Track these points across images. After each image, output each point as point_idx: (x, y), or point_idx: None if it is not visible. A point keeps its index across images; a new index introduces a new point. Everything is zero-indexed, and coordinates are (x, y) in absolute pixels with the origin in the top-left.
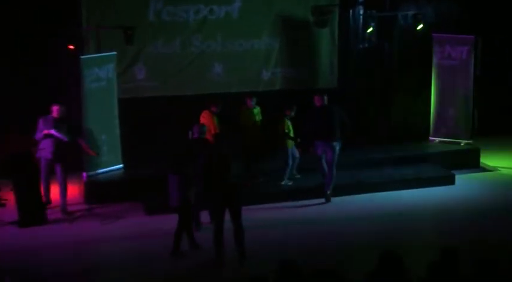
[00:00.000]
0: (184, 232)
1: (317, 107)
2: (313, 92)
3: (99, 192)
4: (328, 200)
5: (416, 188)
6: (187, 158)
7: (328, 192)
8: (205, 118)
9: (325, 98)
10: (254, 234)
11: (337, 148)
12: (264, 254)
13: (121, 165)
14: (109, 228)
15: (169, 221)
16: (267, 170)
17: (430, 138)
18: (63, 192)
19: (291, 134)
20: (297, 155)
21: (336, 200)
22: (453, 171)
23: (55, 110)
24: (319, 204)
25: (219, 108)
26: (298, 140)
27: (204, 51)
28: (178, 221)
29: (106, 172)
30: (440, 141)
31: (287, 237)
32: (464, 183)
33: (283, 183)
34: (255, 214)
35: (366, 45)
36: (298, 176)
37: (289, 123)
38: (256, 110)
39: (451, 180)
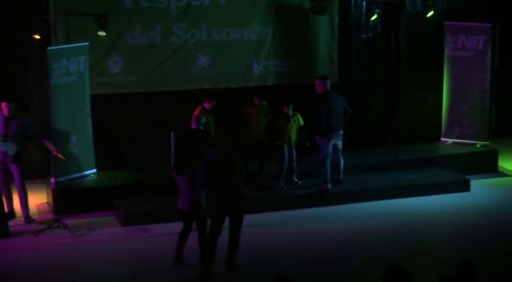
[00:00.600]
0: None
1: (319, 94)
2: (310, 88)
3: (70, 201)
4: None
5: (426, 195)
6: (193, 155)
7: (341, 177)
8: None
9: (328, 82)
10: (250, 243)
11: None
12: (259, 266)
13: (94, 170)
14: (81, 242)
15: (148, 233)
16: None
17: (442, 139)
18: (23, 198)
19: (293, 135)
20: (294, 158)
21: (336, 209)
22: (468, 177)
23: (3, 107)
24: (318, 213)
25: (213, 105)
26: (307, 143)
27: (187, 41)
28: (197, 226)
29: (77, 178)
30: (453, 143)
31: (284, 249)
32: (481, 189)
33: (285, 188)
34: (252, 222)
35: (370, 34)
36: (300, 183)
37: (299, 119)
38: (263, 107)
39: (465, 187)
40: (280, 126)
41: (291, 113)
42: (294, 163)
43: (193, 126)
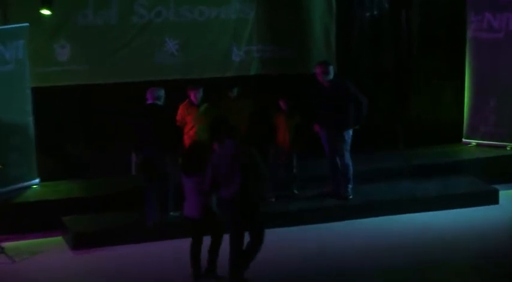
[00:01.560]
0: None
1: (323, 84)
2: (304, 78)
3: (6, 218)
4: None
5: (445, 209)
6: (203, 153)
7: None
8: (180, 112)
9: (331, 68)
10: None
11: (347, 137)
12: None
13: (37, 180)
14: (21, 269)
15: (105, 257)
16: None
17: (464, 140)
18: None
19: (291, 135)
20: (295, 164)
21: (337, 225)
22: (496, 186)
23: None
24: (312, 231)
25: (198, 95)
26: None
27: (151, 21)
28: (212, 235)
29: (16, 190)
30: (477, 145)
31: (279, 271)
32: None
33: (296, 191)
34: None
35: (375, 12)
36: (297, 193)
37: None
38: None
39: (493, 198)
40: (276, 124)
41: (287, 109)
42: (295, 170)
43: (149, 101)
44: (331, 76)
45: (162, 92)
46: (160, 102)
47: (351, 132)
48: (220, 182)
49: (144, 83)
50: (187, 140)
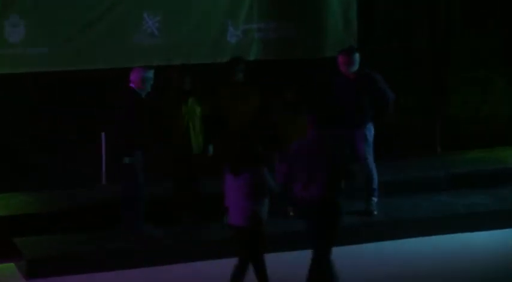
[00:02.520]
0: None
1: (347, 76)
2: (317, 64)
3: None
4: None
5: (495, 228)
6: (254, 147)
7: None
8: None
9: (358, 57)
10: None
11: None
12: None
13: None
14: None
15: None
16: None
17: None
18: None
19: None
20: None
21: (358, 249)
22: None
23: None
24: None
25: (187, 82)
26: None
27: None
28: (254, 247)
29: None
30: None
31: None
32: None
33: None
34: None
35: None
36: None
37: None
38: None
39: None
40: (280, 125)
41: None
42: None
43: (133, 85)
44: (356, 66)
45: (151, 74)
46: (148, 88)
47: (373, 129)
48: (298, 178)
49: (117, 70)
50: (180, 135)
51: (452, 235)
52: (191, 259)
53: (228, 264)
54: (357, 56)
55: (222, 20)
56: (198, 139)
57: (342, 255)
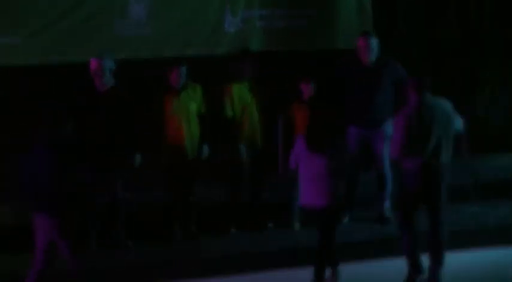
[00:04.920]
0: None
1: (365, 65)
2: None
3: None
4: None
5: None
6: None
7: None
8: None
9: (377, 43)
10: None
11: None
12: None
13: None
14: None
15: None
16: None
17: None
18: None
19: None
20: None
21: (369, 266)
22: None
23: None
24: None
25: (180, 76)
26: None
27: None
28: (324, 228)
29: None
30: None
31: None
32: None
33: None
34: None
35: None
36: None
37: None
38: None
39: None
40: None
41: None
42: None
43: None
44: (376, 54)
45: (112, 63)
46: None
47: (391, 127)
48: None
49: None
50: (173, 136)
51: (479, 252)
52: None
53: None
54: (377, 41)
55: (219, 6)
56: (193, 141)
57: (354, 272)
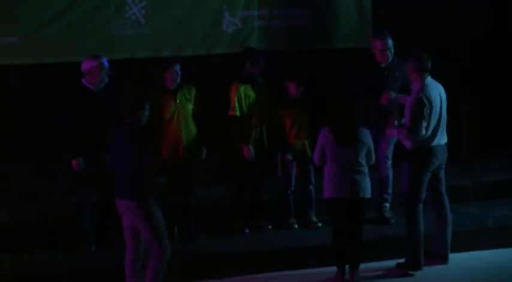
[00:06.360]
0: None
1: (380, 65)
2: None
3: None
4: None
5: None
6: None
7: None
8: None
9: (390, 41)
10: None
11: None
12: None
13: None
14: None
15: None
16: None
17: None
18: None
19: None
20: (312, 178)
21: (363, 268)
22: None
23: None
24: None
25: (174, 75)
26: None
27: None
28: (358, 221)
29: None
30: None
31: None
32: None
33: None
34: None
35: None
36: (320, 225)
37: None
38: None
39: None
40: (285, 120)
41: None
42: (312, 187)
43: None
44: (392, 55)
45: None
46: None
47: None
48: None
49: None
50: (170, 137)
51: (480, 252)
52: None
53: None
54: (390, 41)
55: (216, 6)
56: (190, 142)
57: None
